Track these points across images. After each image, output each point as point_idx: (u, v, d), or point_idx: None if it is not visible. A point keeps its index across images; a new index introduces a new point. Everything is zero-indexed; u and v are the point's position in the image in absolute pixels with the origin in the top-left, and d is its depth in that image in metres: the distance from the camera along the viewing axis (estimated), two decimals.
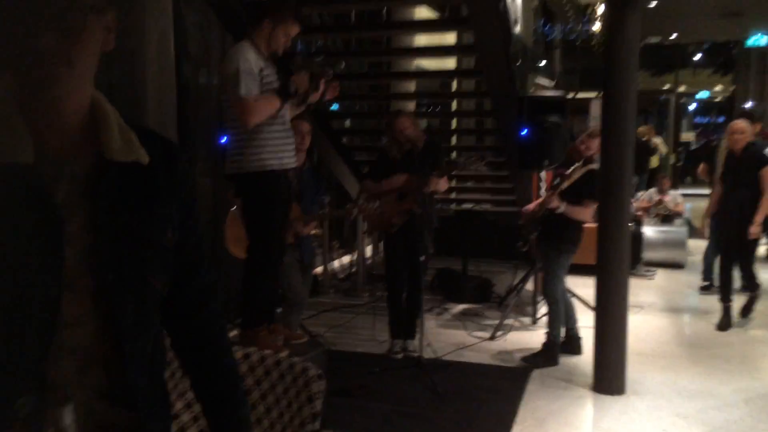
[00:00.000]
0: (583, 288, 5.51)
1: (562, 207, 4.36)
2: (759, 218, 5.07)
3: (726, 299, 5.34)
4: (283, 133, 3.34)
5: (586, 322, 5.21)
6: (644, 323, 5.47)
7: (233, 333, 4.86)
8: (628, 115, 3.93)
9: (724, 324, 5.29)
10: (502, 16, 4.75)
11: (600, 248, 3.97)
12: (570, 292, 5.45)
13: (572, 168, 4.47)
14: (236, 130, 3.28)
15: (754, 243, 5.33)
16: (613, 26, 3.94)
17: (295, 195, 4.12)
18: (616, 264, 3.94)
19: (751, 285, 5.46)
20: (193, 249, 1.14)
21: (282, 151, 3.32)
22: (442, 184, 4.37)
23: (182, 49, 4.86)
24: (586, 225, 7.15)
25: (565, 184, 4.41)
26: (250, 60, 3.17)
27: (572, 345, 4.67)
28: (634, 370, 4.21)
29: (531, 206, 4.80)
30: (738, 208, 5.13)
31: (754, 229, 5.09)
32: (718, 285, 5.59)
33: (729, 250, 5.37)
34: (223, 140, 4.29)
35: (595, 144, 4.41)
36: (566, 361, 4.54)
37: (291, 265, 4.08)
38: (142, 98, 4.30)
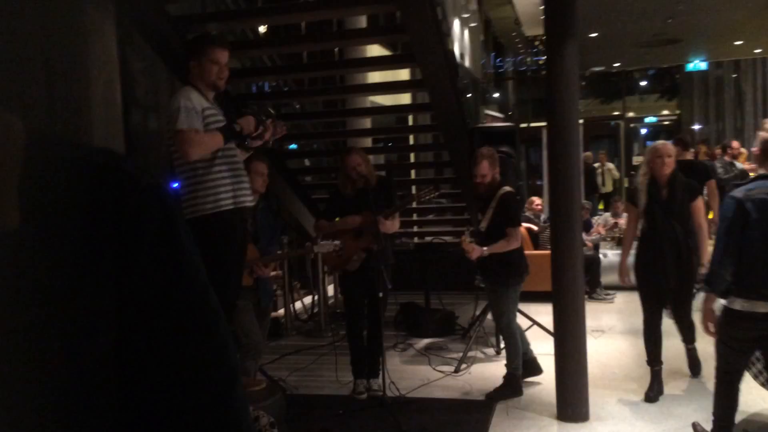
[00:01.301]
0: (544, 315, 5.55)
1: (486, 251, 4.31)
2: (707, 257, 4.00)
3: (656, 362, 4.33)
4: (236, 172, 3.32)
5: (547, 349, 5.26)
6: (605, 347, 5.51)
7: None
8: (573, 142, 4.02)
9: (656, 394, 4.26)
10: (447, 52, 4.85)
11: (554, 275, 4.01)
12: (530, 319, 5.49)
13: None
14: (187, 173, 3.24)
15: (691, 287, 4.34)
16: (552, 57, 4.04)
17: (251, 236, 4.08)
18: (572, 290, 3.98)
19: (692, 335, 4.52)
20: None
21: (236, 190, 3.29)
22: (391, 226, 4.38)
23: (130, 97, 4.82)
24: (540, 252, 7.26)
25: (486, 221, 4.42)
26: (193, 99, 3.19)
27: (531, 368, 4.66)
28: (597, 395, 4.22)
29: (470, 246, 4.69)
30: (671, 248, 4.08)
31: (705, 270, 3.66)
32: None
33: (662, 301, 4.31)
34: (174, 185, 4.25)
35: (482, 168, 4.37)
36: (530, 390, 4.53)
37: (246, 308, 4.01)
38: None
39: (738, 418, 3.75)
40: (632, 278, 4.41)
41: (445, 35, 4.80)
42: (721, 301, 3.10)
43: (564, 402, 3.99)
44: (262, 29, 7.10)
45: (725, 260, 2.98)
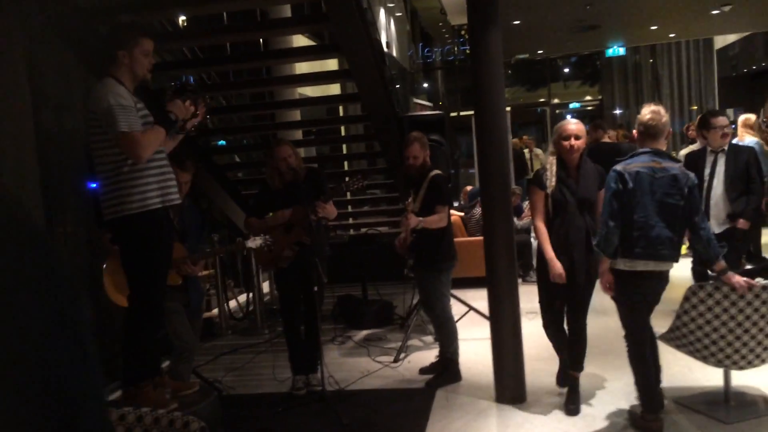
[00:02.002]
0: (475, 301, 5.62)
1: (420, 223, 4.33)
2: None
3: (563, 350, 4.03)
4: (163, 169, 3.19)
5: (481, 334, 5.32)
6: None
7: (119, 393, 4.56)
8: (501, 128, 4.05)
9: (576, 406, 3.83)
10: (373, 41, 4.81)
11: (488, 260, 4.04)
12: (467, 305, 5.54)
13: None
14: (109, 174, 3.08)
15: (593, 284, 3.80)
16: (476, 45, 4.05)
17: (178, 234, 3.93)
18: (506, 274, 4.02)
19: (581, 348, 3.90)
20: None
21: (163, 188, 3.16)
22: (330, 210, 4.31)
23: (40, 92, 4.55)
24: (471, 238, 7.33)
25: (418, 202, 4.44)
26: (123, 95, 3.02)
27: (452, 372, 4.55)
28: (533, 375, 4.29)
29: (402, 236, 4.66)
30: (579, 239, 3.69)
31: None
32: None
33: (561, 295, 3.80)
34: (93, 186, 4.04)
35: (413, 150, 4.43)
36: (468, 374, 4.57)
37: (176, 310, 3.86)
38: None
39: (669, 391, 3.90)
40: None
41: (371, 24, 4.74)
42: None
43: (502, 385, 4.03)
44: (182, 21, 6.86)
45: (611, 225, 3.37)
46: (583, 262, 3.68)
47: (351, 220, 8.26)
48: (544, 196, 3.76)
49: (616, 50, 15.42)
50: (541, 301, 3.96)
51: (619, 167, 3.42)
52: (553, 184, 3.71)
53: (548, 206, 3.75)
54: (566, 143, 3.67)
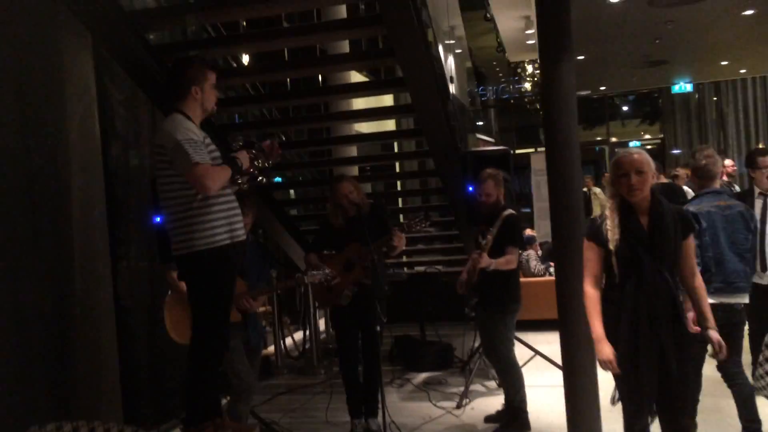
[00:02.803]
0: (540, 345, 5.35)
1: (492, 264, 4.15)
2: (712, 319, 2.90)
3: None
4: (231, 204, 3.15)
5: (548, 381, 5.05)
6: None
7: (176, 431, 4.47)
8: (573, 166, 3.86)
9: None
10: (438, 76, 4.72)
11: (561, 302, 3.81)
12: (533, 349, 5.28)
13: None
14: (178, 208, 3.05)
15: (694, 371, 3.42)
16: (548, 81, 3.91)
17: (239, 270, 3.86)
18: (580, 318, 3.77)
19: None
20: None
21: (231, 224, 3.12)
22: (403, 240, 4.18)
23: (109, 129, 4.62)
24: (538, 279, 7.08)
25: (490, 240, 4.26)
26: (191, 130, 3.01)
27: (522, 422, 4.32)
28: (609, 426, 3.99)
29: (463, 277, 4.50)
30: (665, 311, 2.76)
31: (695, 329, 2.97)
32: None
33: (653, 394, 2.80)
34: (158, 221, 4.03)
35: (486, 188, 4.32)
36: (537, 425, 4.30)
37: (236, 348, 3.77)
38: (66, 184, 4.02)
39: None
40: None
41: (436, 59, 4.67)
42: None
43: None
44: (245, 60, 6.97)
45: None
46: (672, 341, 2.74)
47: (405, 258, 8.10)
48: (601, 254, 2.86)
49: (683, 87, 15.00)
50: (623, 398, 2.92)
51: (692, 208, 3.53)
52: (617, 236, 2.80)
53: (612, 267, 2.83)
54: (625, 181, 2.78)
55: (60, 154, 4.04)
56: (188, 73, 3.12)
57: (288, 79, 7.21)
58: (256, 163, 3.24)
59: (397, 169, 10.38)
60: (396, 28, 4.14)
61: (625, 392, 2.89)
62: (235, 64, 6.14)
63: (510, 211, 4.33)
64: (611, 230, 2.83)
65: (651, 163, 2.87)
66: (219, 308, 3.12)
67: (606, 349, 2.80)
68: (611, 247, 2.81)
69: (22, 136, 3.88)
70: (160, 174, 3.12)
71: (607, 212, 2.87)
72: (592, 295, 2.90)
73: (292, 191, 7.92)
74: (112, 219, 4.40)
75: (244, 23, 6.63)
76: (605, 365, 2.82)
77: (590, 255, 2.93)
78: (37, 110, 3.97)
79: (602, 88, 12.98)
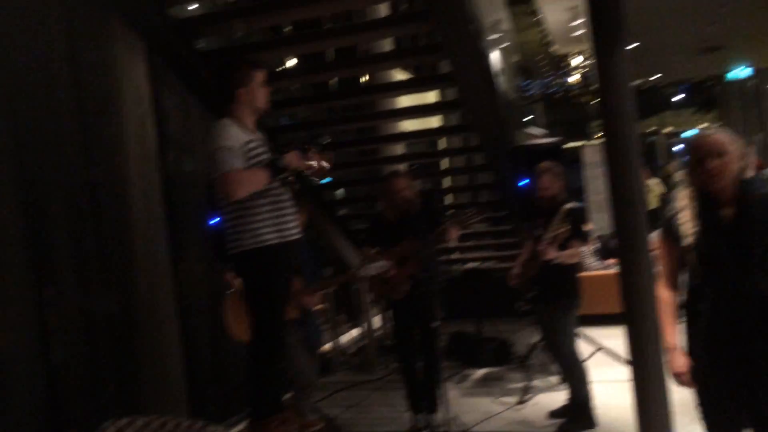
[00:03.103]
0: (604, 339, 5.23)
1: (558, 257, 4.05)
2: None
3: None
4: (279, 205, 3.16)
5: (615, 375, 4.92)
6: None
7: (242, 426, 4.53)
8: (633, 158, 3.76)
9: None
10: (487, 71, 4.66)
11: (626, 295, 3.71)
12: (596, 344, 5.16)
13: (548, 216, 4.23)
14: (229, 209, 3.11)
15: None
16: (603, 71, 3.81)
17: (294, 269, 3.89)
18: (647, 311, 3.66)
19: None
20: None
21: (280, 224, 3.13)
22: (456, 232, 4.14)
23: (164, 135, 4.72)
24: (596, 273, 6.93)
25: (551, 233, 4.16)
26: (232, 135, 3.04)
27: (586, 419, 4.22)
28: (680, 422, 3.86)
29: (516, 270, 4.45)
30: (755, 318, 2.28)
31: None
32: None
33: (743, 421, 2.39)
34: (214, 222, 4.11)
35: (544, 181, 4.21)
36: (603, 420, 4.19)
37: (296, 344, 3.80)
38: (125, 191, 4.13)
39: None
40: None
41: (484, 53, 4.61)
42: None
43: None
44: (290, 63, 7.04)
45: None
46: (763, 355, 2.27)
47: (457, 255, 8.04)
48: (675, 251, 2.44)
49: (737, 74, 14.46)
50: (707, 416, 2.44)
51: None
52: (694, 231, 2.36)
53: (690, 266, 2.40)
54: (701, 167, 2.32)
55: (119, 162, 4.15)
56: (233, 76, 3.14)
57: (333, 80, 7.23)
58: (306, 162, 3.24)
59: (444, 166, 10.34)
60: (444, 23, 4.10)
61: (703, 412, 2.46)
62: (281, 67, 6.20)
63: (572, 204, 4.24)
64: (686, 224, 2.38)
65: (734, 144, 2.34)
66: (273, 306, 3.16)
67: (678, 360, 2.45)
68: (686, 243, 2.36)
69: (83, 147, 4.01)
70: (213, 177, 3.16)
71: (681, 203, 2.42)
72: (664, 298, 2.55)
73: (339, 191, 7.95)
74: (171, 223, 4.49)
75: (290, 27, 6.70)
76: (678, 378, 2.48)
77: (662, 253, 2.54)
78: (96, 121, 4.10)
79: (656, 77, 12.60)
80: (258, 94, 3.17)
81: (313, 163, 3.27)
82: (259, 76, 3.19)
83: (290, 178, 3.21)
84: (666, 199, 12.56)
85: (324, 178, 3.64)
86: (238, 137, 3.05)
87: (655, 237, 5.36)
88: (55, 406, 3.53)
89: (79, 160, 3.96)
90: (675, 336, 2.49)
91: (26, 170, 3.59)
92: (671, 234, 2.44)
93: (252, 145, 3.09)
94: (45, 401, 3.49)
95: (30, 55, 3.69)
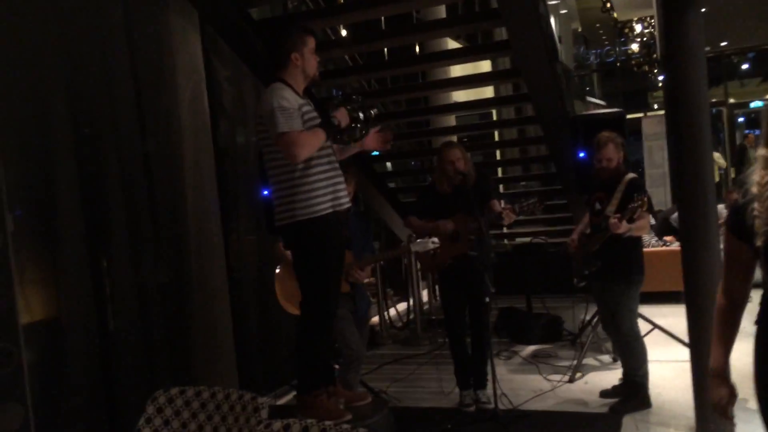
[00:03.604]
0: (659, 318, 5.06)
1: (629, 230, 3.85)
2: None
3: None
4: (332, 173, 3.13)
5: (668, 356, 4.77)
6: (738, 352, 4.93)
7: (289, 397, 4.58)
8: (703, 130, 3.55)
9: None
10: (547, 37, 4.47)
11: (687, 277, 3.55)
12: (651, 323, 4.99)
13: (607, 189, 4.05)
14: (281, 178, 3.08)
15: None
16: (672, 34, 3.59)
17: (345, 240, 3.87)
18: (709, 290, 3.49)
19: None
20: None
21: (333, 192, 3.11)
22: (513, 216, 4.04)
23: (216, 106, 4.72)
24: (654, 249, 6.70)
25: (613, 207, 3.98)
26: (287, 98, 3.00)
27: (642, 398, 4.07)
28: (737, 406, 3.71)
29: (575, 236, 4.32)
30: None
31: None
32: None
33: None
34: (265, 193, 4.10)
35: (607, 152, 4.01)
36: (658, 401, 4.07)
37: (345, 317, 3.78)
38: (178, 162, 4.15)
39: None
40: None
41: (544, 18, 4.42)
42: None
43: (705, 417, 3.51)
44: (343, 33, 6.93)
45: None
46: None
47: (505, 230, 7.89)
48: (744, 251, 1.83)
49: None
50: None
51: None
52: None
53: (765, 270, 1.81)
54: None
55: (173, 133, 4.17)
56: (287, 41, 3.12)
57: (385, 49, 7.11)
58: (355, 115, 3.19)
59: (496, 138, 10.12)
60: None
61: None
62: (333, 37, 6.11)
63: (633, 174, 4.07)
64: (760, 217, 1.75)
65: None
66: (325, 277, 3.13)
67: (719, 390, 1.98)
68: (759, 242, 1.75)
69: (139, 119, 4.04)
70: (263, 145, 3.14)
71: (755, 189, 1.77)
72: (719, 305, 1.99)
73: (389, 164, 7.87)
74: (222, 194, 4.52)
75: None
76: (717, 409, 2.02)
77: (727, 249, 1.94)
78: (150, 91, 4.11)
79: (722, 44, 11.96)
80: (309, 59, 3.15)
81: (361, 124, 3.23)
82: (311, 41, 3.17)
83: (343, 137, 3.18)
84: (738, 181, 11.79)
85: (378, 149, 3.61)
86: (294, 100, 3.03)
87: (720, 211, 4.91)
88: (109, 374, 3.62)
89: (133, 131, 3.99)
90: (723, 356, 1.99)
91: (82, 142, 3.65)
92: (742, 228, 1.80)
93: (306, 108, 3.07)
94: (100, 368, 3.58)
95: (86, 27, 3.71)
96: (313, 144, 3.00)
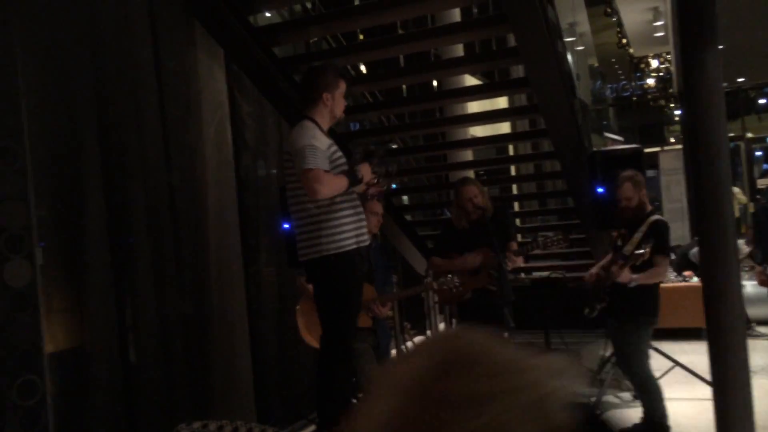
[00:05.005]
0: (678, 355, 5.00)
1: (635, 280, 3.89)
2: None
3: None
4: (356, 210, 3.22)
5: (692, 393, 4.70)
6: (759, 390, 4.85)
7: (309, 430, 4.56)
8: (722, 165, 3.57)
9: None
10: (565, 74, 4.55)
11: (709, 313, 3.53)
12: (672, 360, 4.94)
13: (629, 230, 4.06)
14: (305, 212, 3.14)
15: None
16: (691, 70, 3.63)
17: (366, 275, 3.90)
18: (733, 327, 3.48)
19: None
20: None
21: (357, 229, 3.20)
22: (520, 261, 4.09)
23: (239, 140, 4.82)
24: (673, 285, 6.64)
25: (630, 248, 3.98)
26: (318, 137, 3.09)
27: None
28: None
29: (594, 270, 4.33)
30: None
31: None
32: None
33: None
34: (286, 227, 4.16)
35: (625, 191, 4.04)
36: None
37: (366, 351, 3.80)
38: (201, 195, 4.23)
39: None
40: None
41: (562, 56, 4.50)
42: None
43: None
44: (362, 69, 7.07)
45: None
46: None
47: (524, 263, 7.87)
48: None
49: None
50: None
51: None
52: None
53: None
54: None
55: (197, 166, 4.26)
56: (321, 80, 3.20)
57: (404, 86, 7.22)
58: (377, 171, 3.29)
59: (513, 173, 10.17)
60: (522, 26, 4.02)
61: None
62: (353, 73, 6.24)
63: (657, 216, 4.08)
64: None
65: None
66: (346, 313, 3.16)
67: None
68: None
69: (164, 151, 4.14)
70: (288, 181, 3.21)
71: None
72: None
73: (406, 197, 7.93)
74: (243, 227, 4.58)
75: (361, 35, 6.74)
76: None
77: None
78: (177, 125, 4.22)
79: (740, 80, 12.01)
80: (339, 101, 3.25)
81: (379, 182, 3.33)
82: (343, 85, 3.27)
83: (367, 191, 3.29)
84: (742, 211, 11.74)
85: (388, 186, 3.71)
86: (323, 140, 3.11)
87: (740, 246, 4.96)
88: (131, 403, 3.65)
89: (159, 163, 4.09)
90: None
91: (110, 173, 3.74)
92: None
93: (333, 149, 3.15)
94: (122, 399, 3.61)
95: (118, 63, 3.84)
96: (334, 187, 3.07)
